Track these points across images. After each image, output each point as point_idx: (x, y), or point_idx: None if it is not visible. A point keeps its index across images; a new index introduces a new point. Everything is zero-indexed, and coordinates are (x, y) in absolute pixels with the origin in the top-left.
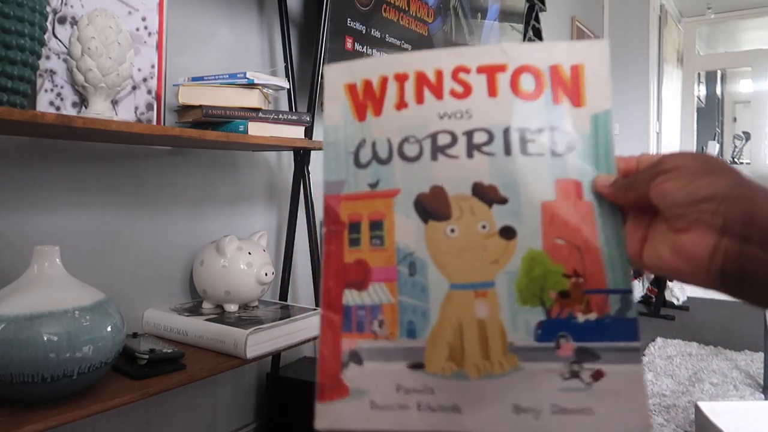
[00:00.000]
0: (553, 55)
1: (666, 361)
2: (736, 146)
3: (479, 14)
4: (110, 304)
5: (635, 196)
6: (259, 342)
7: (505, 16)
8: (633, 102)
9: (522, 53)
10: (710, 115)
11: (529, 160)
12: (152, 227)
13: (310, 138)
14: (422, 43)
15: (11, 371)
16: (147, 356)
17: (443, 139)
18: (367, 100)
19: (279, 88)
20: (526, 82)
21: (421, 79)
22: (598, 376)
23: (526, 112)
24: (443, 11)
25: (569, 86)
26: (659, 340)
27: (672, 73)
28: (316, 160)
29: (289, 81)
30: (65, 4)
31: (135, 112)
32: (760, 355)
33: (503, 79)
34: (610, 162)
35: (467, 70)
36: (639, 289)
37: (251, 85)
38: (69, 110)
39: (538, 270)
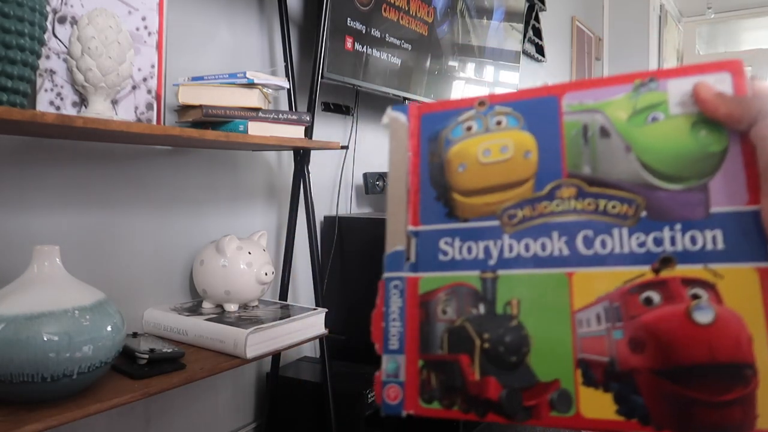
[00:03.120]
0: None
1: None
2: None
3: (485, 16)
4: (110, 304)
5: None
6: (259, 342)
7: (508, 16)
8: None
9: None
10: None
11: None
12: (152, 227)
13: (310, 138)
14: (422, 42)
15: (11, 371)
16: (147, 356)
17: None
18: None
19: (279, 88)
20: None
21: None
22: None
23: None
24: (450, 15)
25: None
26: None
27: None
28: (315, 159)
29: (289, 81)
30: (65, 4)
31: (135, 112)
32: None
33: None
34: None
35: None
36: None
37: (251, 85)
38: (69, 110)
39: None
